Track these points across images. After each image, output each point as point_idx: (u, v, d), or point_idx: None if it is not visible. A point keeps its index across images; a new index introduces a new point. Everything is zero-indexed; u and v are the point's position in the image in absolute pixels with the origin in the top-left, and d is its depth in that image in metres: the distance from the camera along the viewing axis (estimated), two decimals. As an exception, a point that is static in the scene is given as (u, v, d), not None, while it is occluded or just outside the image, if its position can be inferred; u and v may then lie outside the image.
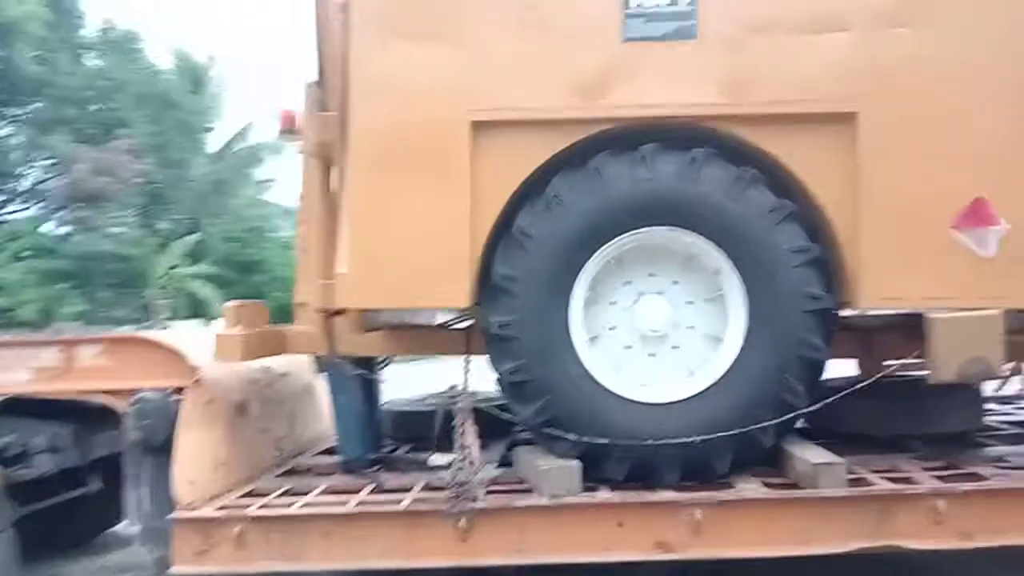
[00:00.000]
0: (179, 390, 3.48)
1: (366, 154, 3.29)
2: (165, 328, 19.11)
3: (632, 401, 3.14)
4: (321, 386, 4.93)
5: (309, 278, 3.89)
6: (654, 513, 2.92)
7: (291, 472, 3.89)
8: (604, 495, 3.03)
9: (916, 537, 2.79)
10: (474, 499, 2.96)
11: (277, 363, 4.20)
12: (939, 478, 3.05)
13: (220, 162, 28.27)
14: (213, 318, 23.03)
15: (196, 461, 3.31)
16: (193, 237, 24.76)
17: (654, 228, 3.18)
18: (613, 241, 3.18)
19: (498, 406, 3.44)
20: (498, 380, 3.33)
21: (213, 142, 28.42)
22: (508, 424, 3.77)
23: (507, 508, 2.97)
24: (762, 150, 3.20)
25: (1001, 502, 2.83)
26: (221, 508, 3.15)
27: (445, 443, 4.04)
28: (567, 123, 3.24)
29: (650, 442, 3.05)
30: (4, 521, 3.63)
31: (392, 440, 4.33)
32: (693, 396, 3.13)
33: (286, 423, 4.25)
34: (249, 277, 25.11)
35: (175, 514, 3.06)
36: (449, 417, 4.29)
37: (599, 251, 3.18)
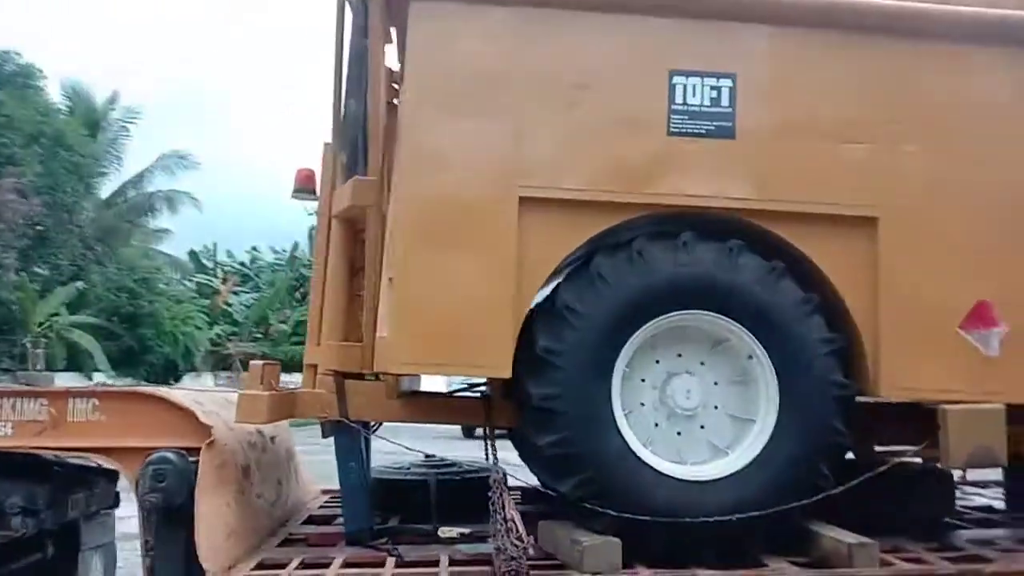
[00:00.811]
0: (187, 451, 3.31)
1: (414, 222, 3.30)
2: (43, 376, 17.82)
3: (671, 477, 3.22)
4: (297, 451, 4.78)
5: (321, 340, 3.83)
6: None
7: (289, 542, 3.71)
8: (646, 573, 3.05)
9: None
10: (526, 574, 2.92)
11: (266, 427, 4.04)
12: (949, 559, 3.25)
13: (111, 208, 27.03)
14: (95, 370, 21.64)
15: (214, 528, 3.12)
16: (76, 285, 23.34)
17: (693, 311, 3.32)
18: (654, 321, 3.30)
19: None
20: (533, 452, 3.34)
21: (107, 187, 27.19)
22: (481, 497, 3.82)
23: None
24: (791, 245, 3.43)
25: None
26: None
27: (440, 513, 4.01)
28: (611, 206, 3.37)
29: (691, 520, 3.12)
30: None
31: (378, 510, 4.21)
32: (729, 475, 3.24)
33: (275, 489, 4.07)
34: (135, 330, 23.83)
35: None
36: (444, 486, 4.27)
37: (641, 329, 3.29)
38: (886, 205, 3.42)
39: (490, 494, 3.29)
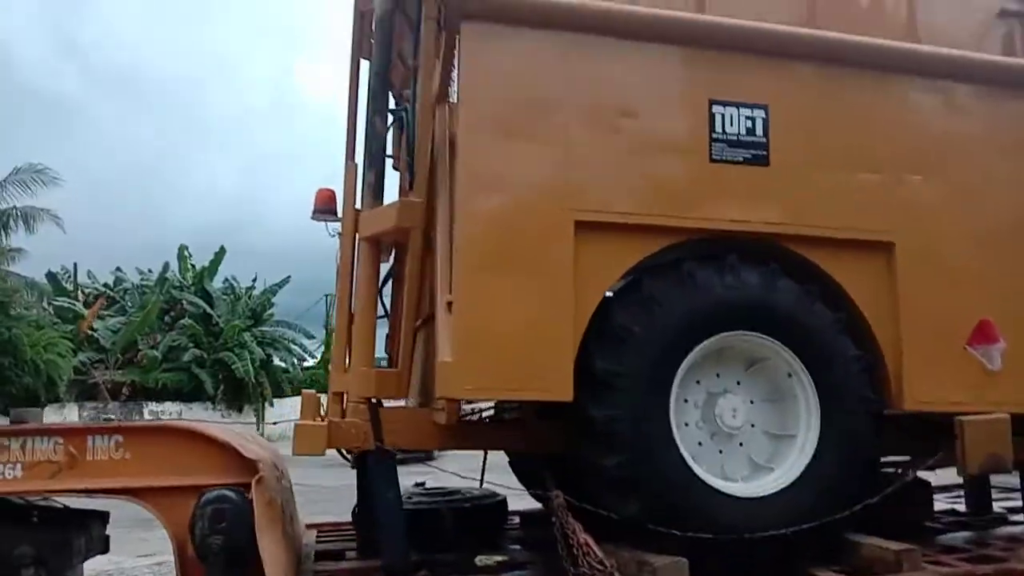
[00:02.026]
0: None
1: (473, 248, 3.26)
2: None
3: (731, 496, 3.32)
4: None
5: (351, 366, 3.70)
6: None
7: (323, 579, 3.54)
8: (715, 589, 3.12)
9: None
10: (617, 598, 2.93)
11: (276, 460, 3.85)
12: (966, 559, 3.52)
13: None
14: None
15: (278, 569, 2.94)
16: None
17: (739, 332, 3.46)
18: (706, 341, 3.41)
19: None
20: (593, 475, 3.34)
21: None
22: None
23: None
24: (819, 267, 3.64)
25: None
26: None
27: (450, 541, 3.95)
28: (659, 229, 3.47)
29: (752, 535, 3.22)
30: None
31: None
32: (781, 491, 3.37)
33: (291, 524, 3.87)
34: (-12, 359, 21.73)
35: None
36: (457, 515, 4.21)
37: (695, 350, 3.39)
38: (901, 231, 3.69)
39: (553, 519, 3.27)
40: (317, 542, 4.39)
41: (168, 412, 26.84)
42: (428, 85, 3.49)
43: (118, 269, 32.90)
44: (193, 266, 31.23)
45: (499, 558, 3.79)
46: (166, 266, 31.47)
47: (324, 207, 4.05)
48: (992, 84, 3.88)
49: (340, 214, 3.95)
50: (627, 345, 3.30)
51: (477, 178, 3.31)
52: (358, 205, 3.93)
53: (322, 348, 37.02)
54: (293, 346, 32.51)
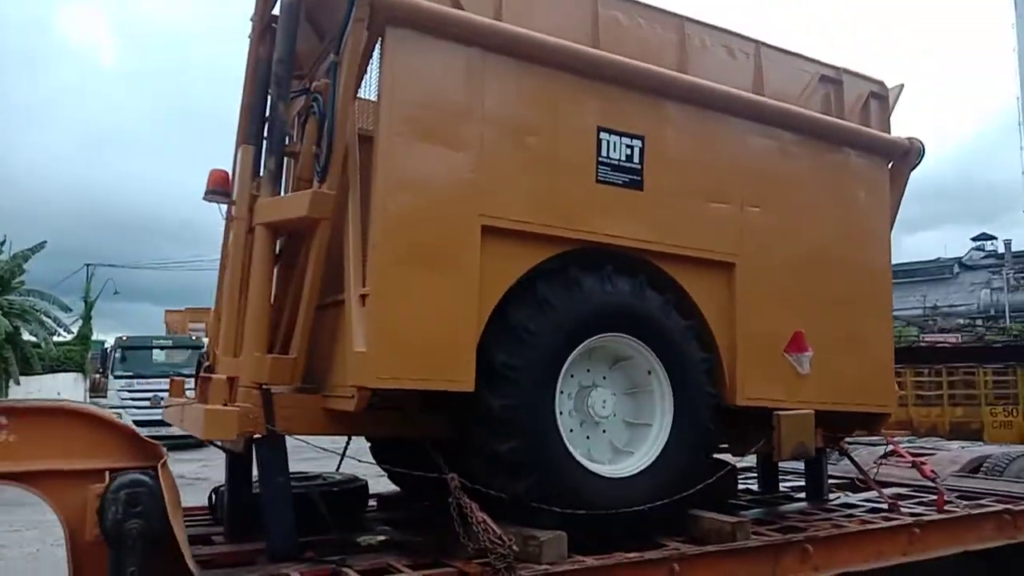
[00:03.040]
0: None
1: (389, 244, 3.43)
2: None
3: (602, 476, 3.77)
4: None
5: (243, 352, 3.73)
6: (641, 571, 3.54)
7: (209, 564, 3.52)
8: (591, 559, 3.54)
9: (795, 572, 3.91)
10: (516, 569, 3.24)
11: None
12: (776, 530, 4.24)
13: None
14: None
15: (188, 552, 2.95)
16: None
17: (615, 333, 3.92)
18: (587, 341, 3.84)
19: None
20: (486, 459, 3.63)
21: None
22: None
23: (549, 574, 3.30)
24: (676, 281, 4.20)
25: (840, 542, 4.12)
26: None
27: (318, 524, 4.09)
28: (552, 238, 3.84)
29: (618, 511, 3.70)
30: None
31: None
32: (642, 471, 3.88)
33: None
34: None
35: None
36: (327, 499, 4.35)
37: (578, 347, 3.81)
38: (740, 253, 4.36)
39: (450, 500, 3.53)
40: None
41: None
42: (350, 83, 3.59)
43: None
44: (-73, 226, 27.18)
45: (380, 538, 3.97)
46: None
47: (217, 188, 3.97)
48: (812, 136, 4.68)
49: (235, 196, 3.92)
50: (523, 342, 3.64)
51: (395, 178, 3.48)
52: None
53: (80, 322, 33.75)
54: (46, 318, 29.29)
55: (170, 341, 24.03)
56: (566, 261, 3.88)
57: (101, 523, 2.86)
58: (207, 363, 4.37)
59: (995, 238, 48.89)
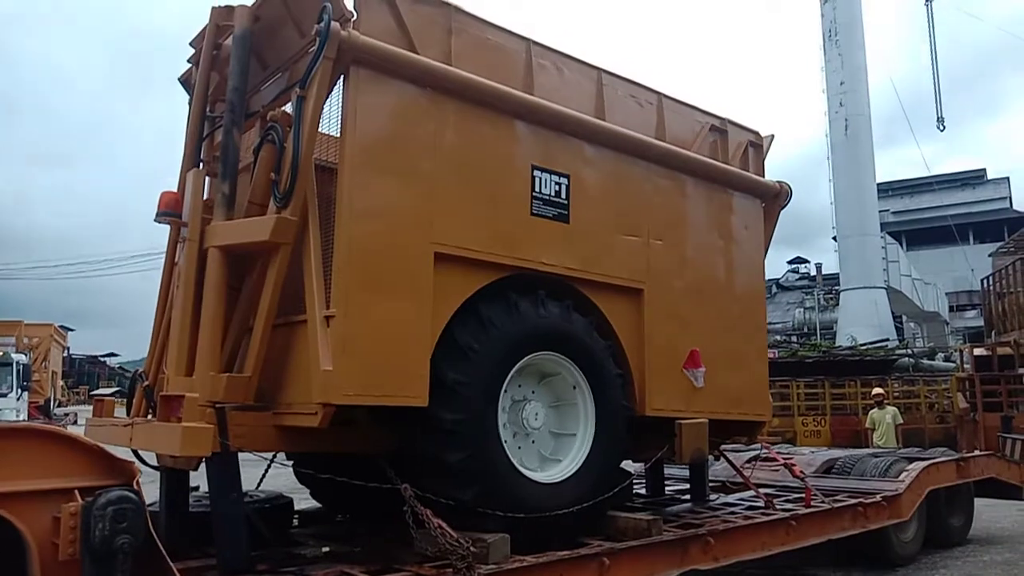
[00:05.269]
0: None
1: (352, 269, 3.67)
2: None
3: (537, 482, 4.15)
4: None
5: (197, 371, 3.82)
6: (577, 566, 3.94)
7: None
8: (531, 558, 3.90)
9: (702, 561, 4.46)
10: (477, 569, 3.54)
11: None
12: (677, 527, 4.79)
13: None
14: None
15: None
16: None
17: (546, 352, 4.33)
18: (525, 359, 4.23)
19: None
20: (435, 469, 3.90)
21: None
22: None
23: (499, 573, 3.62)
24: (596, 305, 4.68)
25: (734, 534, 4.72)
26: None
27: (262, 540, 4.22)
28: (493, 265, 4.21)
29: (550, 513, 4.09)
30: None
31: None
32: (569, 477, 4.30)
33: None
34: None
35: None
36: (260, 515, 4.48)
37: (516, 365, 4.18)
38: (647, 281, 4.91)
39: (405, 508, 3.78)
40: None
41: None
42: (316, 116, 3.77)
43: None
44: None
45: (325, 549, 4.14)
46: None
47: (168, 210, 4.01)
48: (704, 178, 5.33)
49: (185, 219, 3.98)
50: (469, 360, 3.97)
51: (358, 207, 3.72)
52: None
53: None
54: None
55: None
56: (504, 286, 4.25)
57: (85, 540, 2.90)
58: (146, 383, 4.36)
59: (808, 261, 54.08)
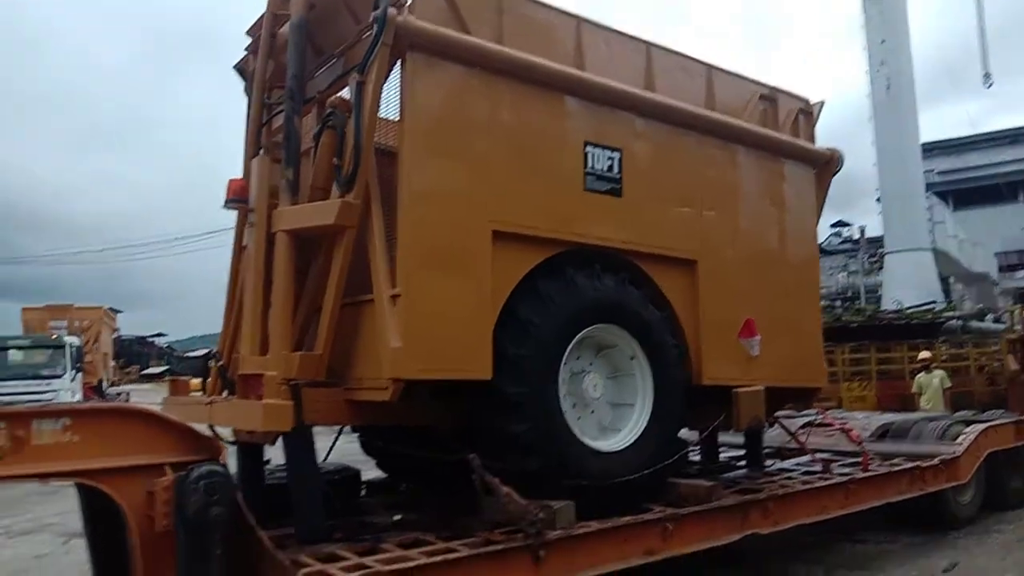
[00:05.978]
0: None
1: (416, 249, 3.78)
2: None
3: (599, 451, 4.26)
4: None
5: (271, 351, 3.98)
6: (641, 531, 4.06)
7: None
8: (597, 523, 4.02)
9: (761, 526, 4.55)
10: (546, 534, 3.67)
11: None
12: (737, 492, 4.87)
13: None
14: None
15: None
16: None
17: (603, 324, 4.42)
18: (583, 331, 4.31)
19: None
20: (501, 440, 4.02)
21: None
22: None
23: (567, 538, 3.75)
24: (651, 277, 4.74)
25: (793, 499, 4.79)
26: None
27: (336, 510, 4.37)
28: (550, 241, 4.29)
29: (612, 480, 4.19)
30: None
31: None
32: (630, 446, 4.39)
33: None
34: None
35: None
36: (333, 487, 4.64)
37: (575, 338, 4.27)
38: (701, 252, 4.95)
39: (473, 477, 3.91)
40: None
41: None
42: (375, 102, 3.87)
43: None
44: None
45: (396, 517, 4.31)
46: None
47: (237, 196, 4.16)
48: (755, 147, 5.33)
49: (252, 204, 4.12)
50: (529, 334, 4.07)
51: (417, 189, 3.82)
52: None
53: None
54: None
55: (28, 341, 22.52)
56: (561, 261, 4.33)
57: (181, 512, 3.08)
58: (220, 363, 4.55)
59: (851, 225, 53.04)
